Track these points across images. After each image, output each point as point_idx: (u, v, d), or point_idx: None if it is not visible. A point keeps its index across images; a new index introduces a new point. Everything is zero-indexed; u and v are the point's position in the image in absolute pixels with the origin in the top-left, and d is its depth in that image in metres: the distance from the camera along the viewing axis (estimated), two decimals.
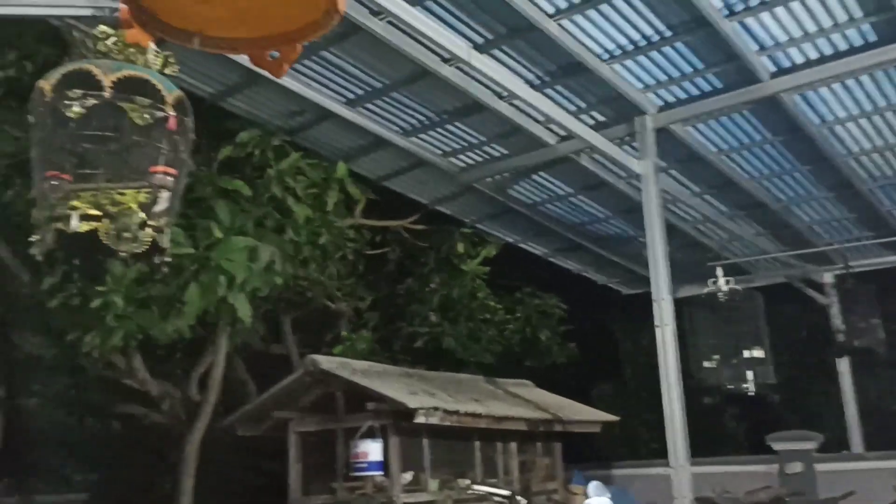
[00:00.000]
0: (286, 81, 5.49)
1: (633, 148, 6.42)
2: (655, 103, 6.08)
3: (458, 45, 4.85)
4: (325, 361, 5.79)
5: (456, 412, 5.64)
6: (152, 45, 2.49)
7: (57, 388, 6.99)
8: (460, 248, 8.97)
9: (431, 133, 6.63)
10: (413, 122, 6.43)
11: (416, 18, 4.53)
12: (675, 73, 5.71)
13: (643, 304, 6.12)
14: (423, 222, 8.60)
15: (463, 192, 7.67)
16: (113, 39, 2.43)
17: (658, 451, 6.52)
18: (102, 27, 2.44)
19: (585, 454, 8.73)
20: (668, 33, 5.22)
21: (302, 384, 5.91)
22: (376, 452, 5.47)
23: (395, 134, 6.51)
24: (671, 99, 6.06)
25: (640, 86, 5.86)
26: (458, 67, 5.35)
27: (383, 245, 8.87)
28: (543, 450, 7.34)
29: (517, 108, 6.01)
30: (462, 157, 7.02)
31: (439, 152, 6.92)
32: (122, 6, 1.54)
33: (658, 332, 5.74)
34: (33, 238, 2.34)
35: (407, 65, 5.31)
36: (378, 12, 4.63)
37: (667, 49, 5.41)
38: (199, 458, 6.22)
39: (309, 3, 1.58)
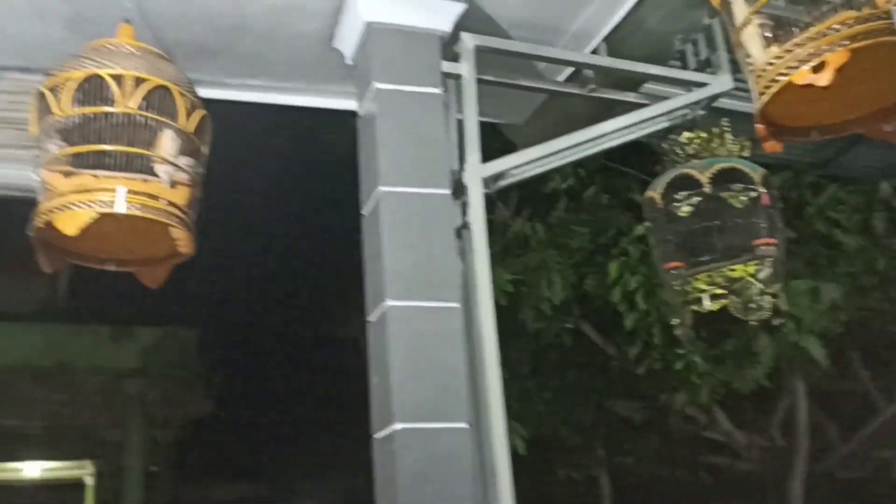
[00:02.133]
0: None
1: None
2: None
3: None
4: None
5: None
6: (729, 135, 2.84)
7: (648, 445, 7.72)
8: None
9: None
10: None
11: None
12: None
13: None
14: None
15: None
16: (697, 141, 2.84)
17: None
18: (686, 134, 2.87)
19: None
20: None
21: None
22: None
23: None
24: None
25: None
26: None
27: None
28: None
29: None
30: None
31: None
32: (759, 126, 1.86)
33: None
34: (674, 321, 2.79)
35: None
36: None
37: None
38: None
39: None
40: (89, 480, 12.91)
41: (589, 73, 2.95)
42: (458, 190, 2.52)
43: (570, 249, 5.90)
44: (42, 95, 2.16)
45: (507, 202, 6.37)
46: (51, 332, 8.90)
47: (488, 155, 2.61)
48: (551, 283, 5.60)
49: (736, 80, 2.92)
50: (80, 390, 9.76)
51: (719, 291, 2.64)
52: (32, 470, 13.00)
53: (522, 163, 2.66)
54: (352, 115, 3.40)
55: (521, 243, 5.86)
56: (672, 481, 8.13)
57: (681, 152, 2.83)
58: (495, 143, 3.04)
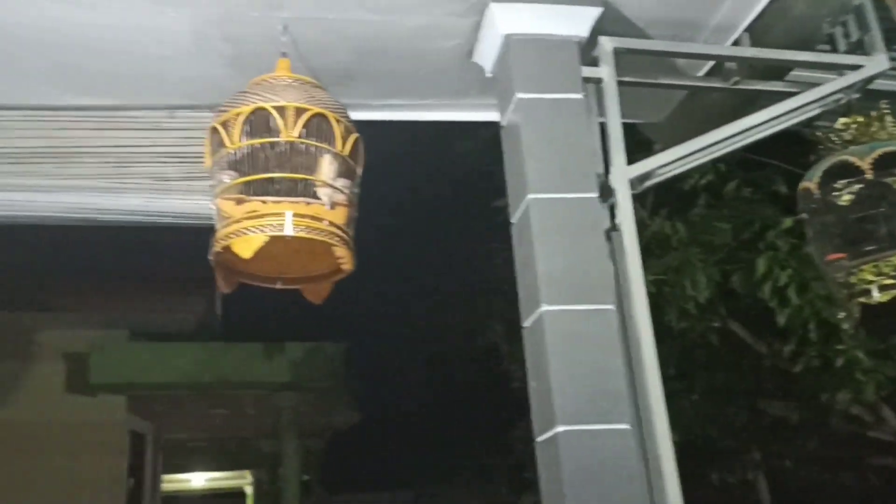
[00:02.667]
0: None
1: None
2: None
3: None
4: None
5: None
6: (889, 117, 2.71)
7: (807, 447, 7.36)
8: None
9: None
10: None
11: None
12: None
13: None
14: None
15: None
16: (854, 126, 2.72)
17: None
18: (841, 119, 2.76)
19: None
20: None
21: None
22: None
23: None
24: None
25: None
26: None
27: None
28: None
29: None
30: None
31: None
32: None
33: None
34: (840, 315, 2.68)
35: None
36: None
37: None
38: None
39: None
40: (249, 489, 13.65)
41: (731, 65, 2.89)
42: (605, 192, 2.53)
43: (713, 247, 5.74)
44: (215, 130, 2.35)
45: (643, 202, 6.28)
46: (210, 349, 9.46)
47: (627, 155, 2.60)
48: (695, 282, 5.46)
49: (892, 59, 2.78)
50: (238, 404, 10.33)
51: (888, 282, 2.51)
52: (198, 480, 13.89)
53: (669, 161, 2.63)
54: (484, 125, 3.49)
55: (661, 243, 5.75)
56: (837, 485, 7.69)
57: (836, 139, 2.71)
58: (630, 142, 3.02)
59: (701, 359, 6.71)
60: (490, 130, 6.72)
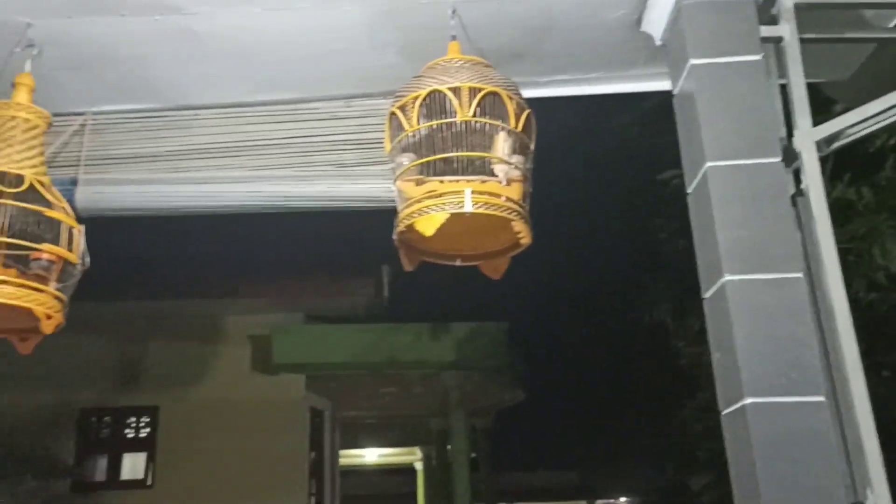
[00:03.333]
0: None
1: None
2: None
3: None
4: None
5: None
6: None
7: None
8: None
9: None
10: None
11: None
12: None
13: None
14: None
15: None
16: None
17: None
18: None
19: None
20: None
21: None
22: None
23: None
24: None
25: None
26: None
27: None
28: None
29: None
30: None
31: None
32: None
33: None
34: None
35: None
36: None
37: None
38: None
39: None
40: (419, 465, 14.12)
41: None
42: (789, 157, 2.42)
43: None
44: (393, 115, 2.45)
45: (823, 167, 5.91)
46: (379, 331, 9.84)
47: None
48: (885, 250, 5.09)
49: None
50: (406, 383, 10.70)
51: None
52: (371, 455, 14.54)
53: (859, 121, 2.48)
54: (645, 96, 3.41)
55: (844, 210, 5.39)
56: None
57: None
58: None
59: (892, 333, 6.24)
60: (651, 101, 6.52)
